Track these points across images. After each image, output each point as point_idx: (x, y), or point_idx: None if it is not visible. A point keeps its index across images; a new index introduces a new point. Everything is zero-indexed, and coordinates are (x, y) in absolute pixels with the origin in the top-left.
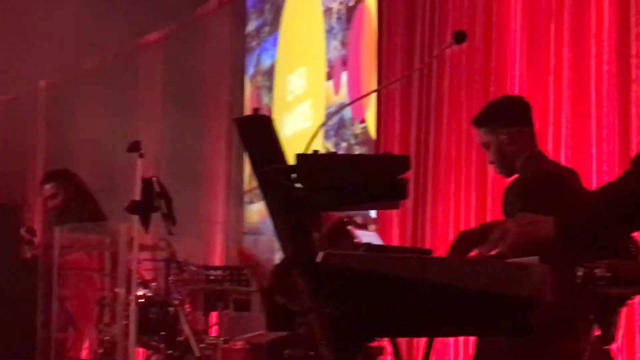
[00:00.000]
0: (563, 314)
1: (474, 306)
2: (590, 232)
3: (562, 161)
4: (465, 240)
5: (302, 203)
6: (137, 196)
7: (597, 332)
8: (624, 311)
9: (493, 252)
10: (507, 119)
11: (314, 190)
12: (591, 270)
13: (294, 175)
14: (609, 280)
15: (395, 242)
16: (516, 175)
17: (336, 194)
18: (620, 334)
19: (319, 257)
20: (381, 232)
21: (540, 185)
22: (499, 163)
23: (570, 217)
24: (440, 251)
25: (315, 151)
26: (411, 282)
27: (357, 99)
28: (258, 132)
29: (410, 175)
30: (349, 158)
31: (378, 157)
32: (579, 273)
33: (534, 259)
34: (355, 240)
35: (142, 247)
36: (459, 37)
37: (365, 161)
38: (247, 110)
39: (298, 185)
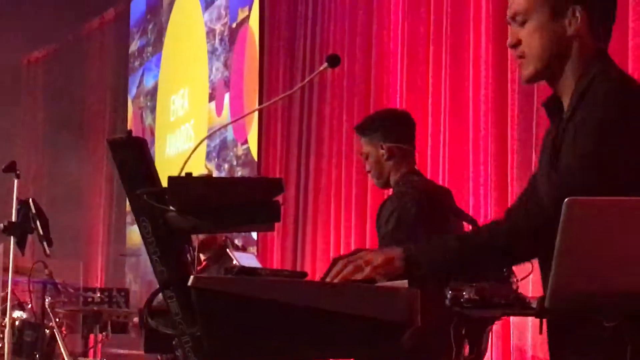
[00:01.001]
0: (435, 335)
1: (343, 330)
2: (439, 273)
3: (440, 182)
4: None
5: (174, 226)
6: (14, 217)
7: (467, 349)
8: (492, 329)
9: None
10: (390, 133)
11: (186, 213)
12: (459, 293)
13: (167, 198)
14: (476, 303)
15: (276, 263)
16: (390, 191)
17: (209, 217)
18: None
19: (190, 280)
20: (262, 253)
21: (412, 203)
22: (376, 174)
23: (420, 256)
24: (321, 273)
25: (188, 174)
26: (280, 306)
27: (235, 120)
28: (130, 154)
29: (291, 197)
30: (221, 181)
31: (251, 179)
32: (447, 296)
33: (403, 282)
34: (232, 263)
35: (18, 269)
36: (332, 60)
37: (239, 184)
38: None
39: (171, 208)
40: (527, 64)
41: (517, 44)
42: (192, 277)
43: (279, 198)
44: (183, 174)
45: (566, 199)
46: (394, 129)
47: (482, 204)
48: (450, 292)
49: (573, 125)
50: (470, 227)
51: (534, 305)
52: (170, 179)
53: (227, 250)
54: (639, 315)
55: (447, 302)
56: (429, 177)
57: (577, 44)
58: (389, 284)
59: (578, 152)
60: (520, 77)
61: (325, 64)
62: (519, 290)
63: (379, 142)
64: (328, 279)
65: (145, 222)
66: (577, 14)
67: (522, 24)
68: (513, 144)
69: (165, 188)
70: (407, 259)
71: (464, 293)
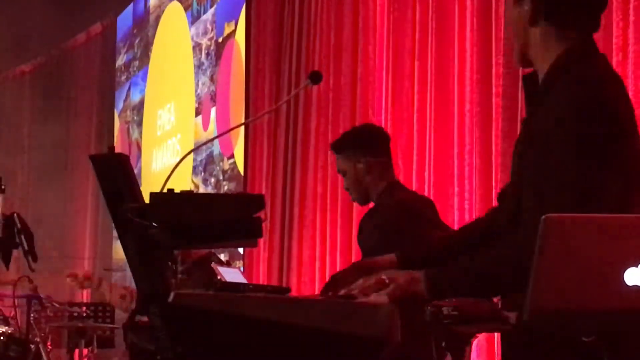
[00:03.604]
0: (416, 350)
1: (324, 346)
2: (460, 295)
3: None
4: (340, 281)
5: (156, 242)
6: None
7: None
8: (474, 342)
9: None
10: (366, 148)
11: (168, 229)
12: (439, 309)
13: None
14: (455, 318)
15: (262, 278)
16: (372, 205)
17: (190, 233)
18: None
19: (171, 297)
20: (248, 268)
21: (395, 215)
22: (355, 191)
23: (441, 281)
24: (307, 287)
25: (170, 190)
26: (261, 322)
27: (221, 134)
28: (113, 170)
29: (277, 211)
30: (203, 197)
31: (233, 196)
32: (427, 311)
33: (382, 298)
34: (216, 278)
35: (3, 284)
36: (315, 77)
37: (220, 200)
38: (118, 145)
39: (153, 224)
40: (513, 50)
41: (507, 27)
42: (172, 293)
43: (263, 213)
44: (166, 190)
45: (543, 216)
46: (369, 143)
47: (467, 218)
48: (429, 307)
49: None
50: None
51: (512, 320)
52: (152, 195)
53: (212, 264)
54: (616, 331)
55: (426, 317)
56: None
57: (536, 33)
58: (368, 299)
59: (552, 183)
60: None
61: (308, 81)
62: (498, 306)
63: (356, 157)
64: (347, 291)
65: (128, 238)
66: (528, 3)
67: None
68: (497, 159)
69: (147, 204)
70: (428, 282)
71: (443, 309)
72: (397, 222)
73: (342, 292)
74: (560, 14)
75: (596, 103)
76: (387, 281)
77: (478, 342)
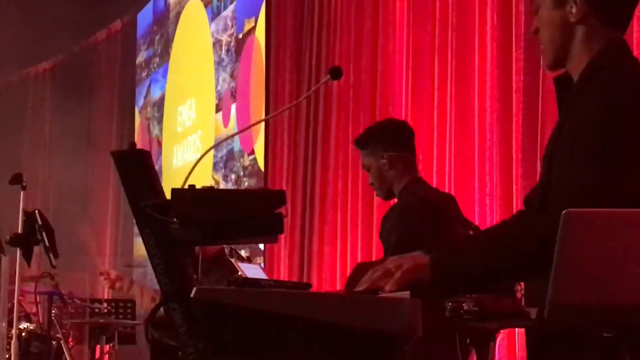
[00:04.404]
0: (439, 346)
1: (346, 342)
2: (463, 283)
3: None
4: (364, 271)
5: (177, 238)
6: (20, 229)
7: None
8: (498, 339)
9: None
10: (389, 143)
11: (189, 226)
12: (459, 304)
13: (170, 210)
14: (476, 314)
15: (283, 274)
16: (395, 201)
17: (211, 229)
18: None
19: (193, 292)
20: (269, 264)
21: (417, 213)
22: (378, 186)
23: (445, 265)
24: (327, 283)
25: (191, 186)
26: (282, 317)
27: (241, 131)
28: (134, 167)
29: (297, 207)
30: (224, 193)
31: (254, 192)
32: (448, 307)
33: (405, 293)
34: (238, 274)
35: (25, 280)
36: (335, 73)
37: (241, 196)
38: (138, 142)
39: (174, 220)
40: (543, 53)
41: (535, 32)
42: (194, 288)
43: (284, 209)
44: (187, 186)
45: (564, 211)
46: (393, 138)
47: (488, 213)
48: (450, 303)
49: (572, 124)
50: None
51: (533, 316)
52: (173, 191)
53: (232, 260)
54: (637, 326)
55: (447, 313)
56: (434, 187)
57: (581, 31)
58: (390, 294)
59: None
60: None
61: (328, 76)
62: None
63: (379, 152)
64: (359, 286)
65: (149, 234)
66: (577, 0)
67: (537, 12)
68: (518, 154)
69: (168, 200)
70: (433, 267)
71: (464, 304)
72: (419, 219)
73: (362, 287)
74: (611, 11)
75: (627, 103)
76: (393, 270)
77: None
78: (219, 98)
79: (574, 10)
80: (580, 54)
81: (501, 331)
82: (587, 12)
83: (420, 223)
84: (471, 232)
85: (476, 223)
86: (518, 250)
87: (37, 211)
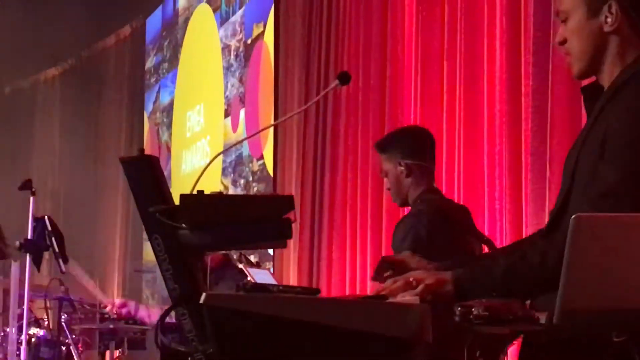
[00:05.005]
0: (446, 353)
1: (355, 347)
2: (487, 296)
3: (455, 197)
4: (389, 266)
5: (186, 244)
6: (29, 234)
7: None
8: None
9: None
10: (409, 150)
11: (198, 231)
12: (469, 309)
13: (179, 216)
14: (486, 319)
15: (292, 279)
16: (409, 209)
17: (220, 235)
18: None
19: (202, 298)
20: (278, 269)
21: (427, 221)
22: (395, 192)
23: (468, 283)
24: (337, 288)
25: (200, 191)
26: (291, 323)
27: (250, 136)
28: (143, 172)
29: (306, 212)
30: (233, 198)
31: (262, 197)
32: (457, 312)
33: (414, 299)
34: (246, 279)
35: (34, 286)
36: (343, 78)
37: (250, 201)
38: (147, 147)
39: (183, 225)
40: (572, 62)
41: (562, 42)
42: (204, 294)
43: (293, 214)
44: (195, 191)
45: (573, 216)
46: (413, 146)
47: (497, 218)
48: (459, 308)
49: (602, 129)
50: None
51: (543, 321)
52: (182, 196)
53: (241, 266)
54: None
55: (456, 318)
56: (443, 192)
57: (616, 41)
58: (399, 300)
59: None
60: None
61: (337, 82)
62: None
63: (398, 159)
64: (382, 292)
65: (158, 240)
66: (613, 10)
67: (565, 21)
68: (527, 159)
69: (177, 205)
70: (455, 284)
71: (473, 309)
72: (431, 228)
73: (372, 293)
74: None
75: None
76: (414, 283)
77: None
78: (228, 103)
79: (609, 20)
80: (612, 63)
81: (514, 343)
82: (623, 23)
83: (431, 232)
84: (483, 245)
85: (485, 227)
86: (542, 264)
87: (47, 217)
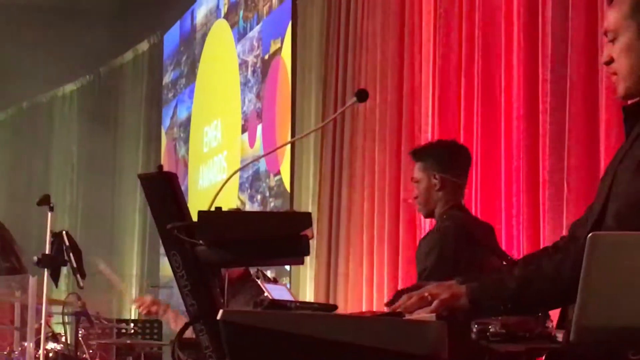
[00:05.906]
0: None
1: None
2: (500, 311)
3: (472, 213)
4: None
5: (203, 260)
6: (47, 250)
7: None
8: None
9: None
10: (445, 164)
11: (216, 247)
12: (485, 327)
13: (196, 232)
14: (503, 337)
15: (309, 295)
16: (428, 222)
17: (237, 251)
18: None
19: (219, 314)
20: (295, 285)
21: (454, 240)
22: (422, 202)
23: (482, 295)
24: (354, 304)
25: (218, 208)
26: (308, 339)
27: (268, 153)
28: (161, 189)
29: (323, 228)
30: (250, 215)
31: (280, 214)
32: (474, 329)
33: (431, 315)
34: (263, 295)
35: (52, 301)
36: (361, 95)
37: (267, 218)
38: (165, 162)
39: (200, 242)
40: (618, 82)
41: (609, 61)
42: (221, 311)
43: (310, 231)
44: (213, 208)
45: (590, 234)
46: (450, 160)
47: (515, 235)
48: (476, 325)
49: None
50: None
51: (560, 339)
52: (200, 213)
53: (258, 281)
54: None
55: (473, 335)
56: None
57: None
58: (415, 317)
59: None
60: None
61: (354, 99)
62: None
63: (433, 171)
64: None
65: (176, 256)
66: None
67: (613, 41)
68: (544, 176)
69: (194, 222)
70: (470, 296)
71: (490, 327)
72: (455, 245)
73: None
74: None
75: None
76: (429, 298)
77: None
78: (245, 119)
79: None
80: None
81: None
82: None
83: (456, 249)
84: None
85: (503, 244)
86: (556, 275)
87: (64, 232)
